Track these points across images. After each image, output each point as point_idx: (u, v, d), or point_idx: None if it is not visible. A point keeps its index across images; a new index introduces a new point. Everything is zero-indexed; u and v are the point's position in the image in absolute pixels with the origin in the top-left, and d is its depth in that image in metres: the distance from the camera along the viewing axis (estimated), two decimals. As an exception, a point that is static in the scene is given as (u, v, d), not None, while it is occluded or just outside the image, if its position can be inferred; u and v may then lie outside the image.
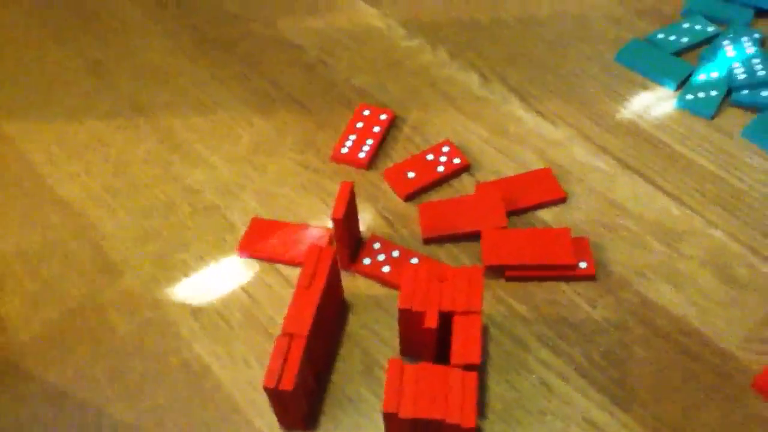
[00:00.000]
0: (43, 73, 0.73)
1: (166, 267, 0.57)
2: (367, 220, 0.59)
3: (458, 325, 0.46)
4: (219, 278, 0.56)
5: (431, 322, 0.46)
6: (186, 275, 0.56)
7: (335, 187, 0.62)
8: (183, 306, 0.55)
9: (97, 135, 0.67)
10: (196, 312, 0.54)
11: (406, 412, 0.41)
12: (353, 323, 0.53)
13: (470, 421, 0.41)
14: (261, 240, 0.58)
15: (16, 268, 0.57)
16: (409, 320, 0.47)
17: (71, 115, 0.69)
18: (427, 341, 0.47)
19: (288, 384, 0.43)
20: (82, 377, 0.51)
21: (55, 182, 0.64)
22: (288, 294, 0.54)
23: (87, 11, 0.80)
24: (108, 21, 0.79)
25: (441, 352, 0.48)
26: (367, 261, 0.56)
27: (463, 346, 0.45)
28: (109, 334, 0.53)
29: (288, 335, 0.45)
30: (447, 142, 0.64)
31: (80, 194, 0.62)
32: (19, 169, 0.65)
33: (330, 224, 0.58)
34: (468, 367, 0.44)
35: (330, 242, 0.57)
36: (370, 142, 0.64)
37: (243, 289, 0.55)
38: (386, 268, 0.55)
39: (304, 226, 0.58)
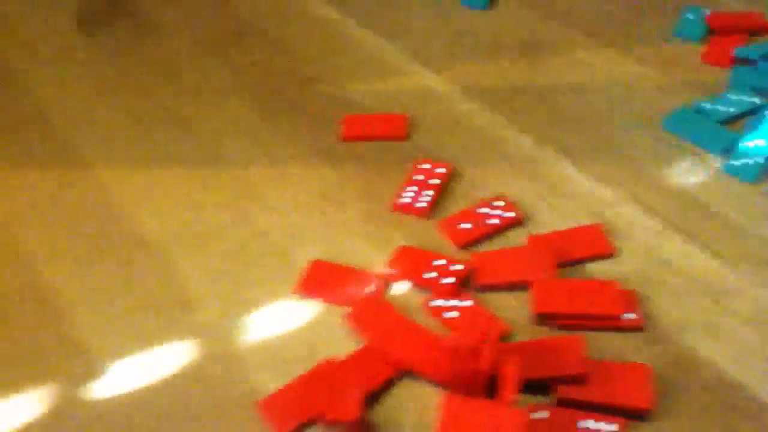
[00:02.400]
0: (131, 124, 0.78)
1: (236, 303, 0.59)
2: (424, 266, 0.60)
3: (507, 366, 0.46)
4: (284, 315, 0.58)
5: (484, 364, 0.46)
6: (254, 311, 0.58)
7: (394, 235, 0.63)
8: (251, 340, 0.56)
9: (179, 181, 0.70)
10: (263, 346, 0.56)
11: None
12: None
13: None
14: (319, 282, 0.59)
15: (100, 300, 0.60)
16: (461, 359, 0.48)
17: (155, 162, 0.73)
18: (478, 382, 0.48)
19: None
20: (153, 403, 0.53)
21: (139, 221, 0.66)
22: (347, 334, 0.56)
23: (172, 71, 0.85)
24: (190, 78, 0.83)
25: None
26: (437, 303, 0.57)
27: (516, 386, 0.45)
28: (180, 362, 0.55)
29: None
30: (501, 197, 0.66)
31: (160, 234, 0.65)
32: (105, 208, 0.68)
33: (386, 270, 0.60)
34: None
35: (384, 289, 0.59)
36: (428, 193, 0.66)
37: (306, 326, 0.57)
38: (452, 314, 0.56)
39: (360, 272, 0.60)
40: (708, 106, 0.74)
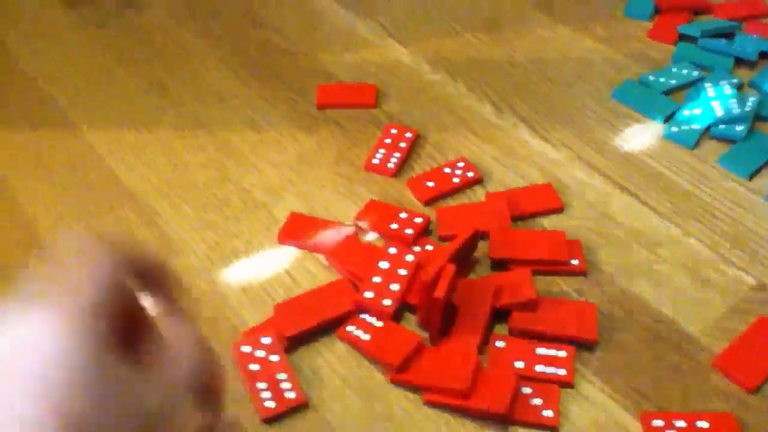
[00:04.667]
0: (117, 91, 0.82)
1: (220, 251, 0.64)
2: (391, 219, 0.66)
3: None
4: (265, 262, 0.63)
5: (439, 292, 0.52)
6: (237, 258, 0.64)
7: (365, 192, 0.69)
8: (234, 282, 0.62)
9: (164, 143, 0.75)
10: (245, 288, 0.61)
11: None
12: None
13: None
14: (298, 232, 0.65)
15: (95, 247, 0.65)
16: (422, 290, 0.54)
17: (141, 127, 0.77)
18: (435, 309, 0.54)
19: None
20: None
21: (128, 180, 0.71)
22: (323, 278, 0.61)
23: (152, 41, 0.89)
24: (174, 48, 0.87)
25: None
26: (351, 328, 0.57)
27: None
28: (171, 303, 0.60)
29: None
30: (462, 159, 0.71)
31: (148, 190, 0.70)
32: (97, 169, 0.72)
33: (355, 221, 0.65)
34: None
35: (356, 237, 0.64)
36: (396, 155, 0.72)
37: (286, 271, 0.62)
38: (366, 337, 0.57)
39: (335, 222, 0.65)
40: (653, 78, 0.81)
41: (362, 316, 0.58)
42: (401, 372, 0.54)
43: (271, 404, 0.53)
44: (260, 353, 0.55)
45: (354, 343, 0.56)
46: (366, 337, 0.56)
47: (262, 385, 0.54)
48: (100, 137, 0.76)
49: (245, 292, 0.61)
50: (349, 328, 0.57)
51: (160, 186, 0.70)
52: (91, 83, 0.83)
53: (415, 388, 0.54)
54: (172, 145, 0.75)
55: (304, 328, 0.56)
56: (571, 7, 0.92)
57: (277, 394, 0.53)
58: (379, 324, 0.57)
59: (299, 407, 0.53)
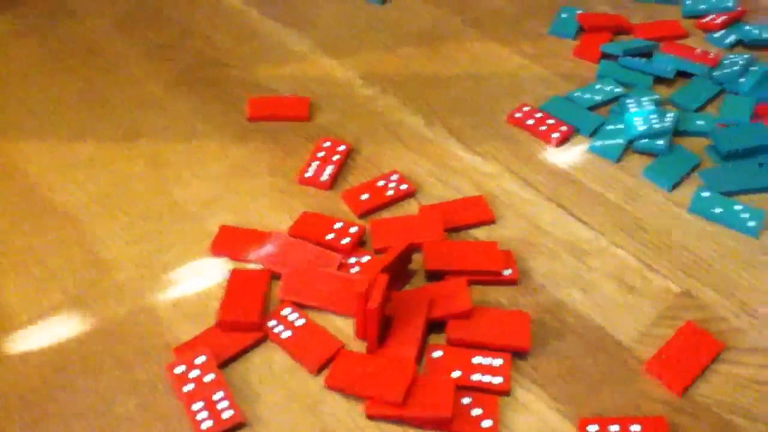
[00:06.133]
0: (48, 99, 0.78)
1: (152, 265, 0.62)
2: (326, 231, 0.65)
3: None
4: (197, 274, 0.61)
5: (373, 302, 0.52)
6: (169, 271, 0.61)
7: (299, 204, 0.68)
8: (166, 296, 0.59)
9: (94, 154, 0.72)
10: (178, 303, 0.59)
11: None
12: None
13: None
14: (230, 243, 0.63)
15: (20, 264, 0.61)
16: (356, 301, 0.53)
17: (72, 136, 0.74)
18: (371, 319, 0.53)
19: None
20: (77, 352, 0.55)
21: (56, 194, 0.68)
22: (258, 289, 0.60)
23: (85, 50, 0.86)
24: (108, 58, 0.84)
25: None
26: (272, 323, 0.57)
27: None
28: (100, 318, 0.57)
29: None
30: (395, 172, 0.71)
31: (77, 204, 0.67)
32: (21, 179, 0.69)
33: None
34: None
35: (287, 246, 0.63)
36: (330, 168, 0.71)
37: (218, 284, 0.60)
38: (287, 334, 0.57)
39: (265, 232, 0.64)
40: (578, 94, 0.82)
41: (283, 312, 0.57)
42: (320, 374, 0.54)
43: (208, 424, 0.51)
44: (194, 373, 0.53)
45: (275, 339, 0.56)
46: (287, 334, 0.56)
47: (197, 405, 0.51)
48: (27, 147, 0.73)
49: (177, 306, 0.59)
50: (271, 323, 0.56)
51: (89, 199, 0.68)
52: (19, 92, 0.79)
53: (355, 400, 0.52)
54: (102, 156, 0.72)
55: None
56: (499, 25, 0.93)
57: (214, 414, 0.51)
58: (301, 322, 0.56)
59: (237, 426, 0.51)
